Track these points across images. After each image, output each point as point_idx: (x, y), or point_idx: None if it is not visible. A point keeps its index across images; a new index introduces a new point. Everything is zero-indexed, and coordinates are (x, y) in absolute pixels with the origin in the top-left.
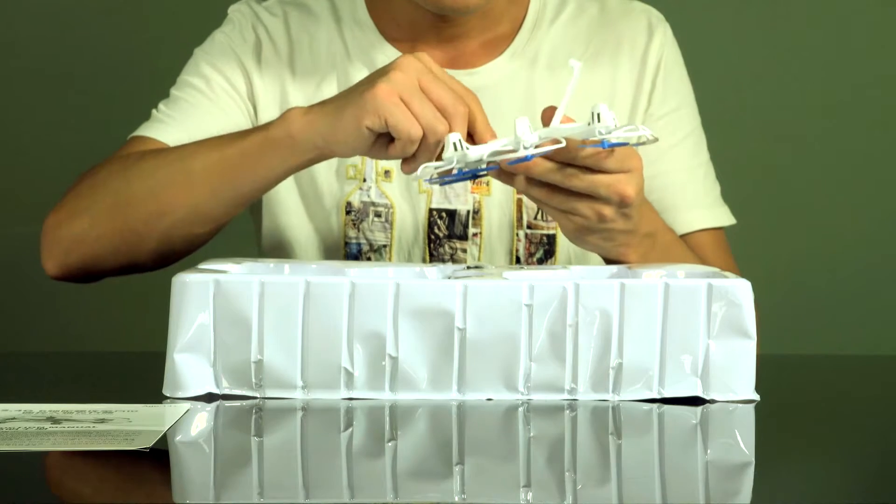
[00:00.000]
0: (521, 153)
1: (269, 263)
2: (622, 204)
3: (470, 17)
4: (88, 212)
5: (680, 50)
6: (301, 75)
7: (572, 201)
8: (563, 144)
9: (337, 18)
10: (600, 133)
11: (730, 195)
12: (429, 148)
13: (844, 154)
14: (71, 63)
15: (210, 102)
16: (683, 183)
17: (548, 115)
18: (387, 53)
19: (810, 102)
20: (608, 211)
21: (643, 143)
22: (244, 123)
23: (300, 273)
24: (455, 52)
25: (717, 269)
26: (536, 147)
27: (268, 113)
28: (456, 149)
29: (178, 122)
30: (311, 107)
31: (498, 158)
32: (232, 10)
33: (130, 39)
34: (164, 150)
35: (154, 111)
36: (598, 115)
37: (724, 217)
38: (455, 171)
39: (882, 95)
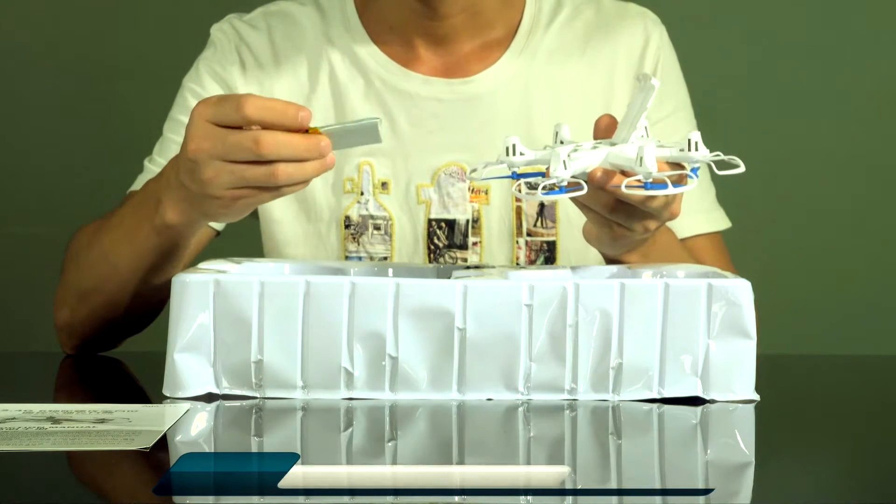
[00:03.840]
0: (656, 189)
1: (269, 263)
2: (669, 219)
3: (458, 12)
4: (66, 303)
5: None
6: (289, 91)
7: (634, 218)
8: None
9: (325, 25)
10: (692, 161)
11: (728, 195)
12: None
13: (843, 155)
14: (71, 63)
15: None
16: None
17: (603, 123)
18: (377, 60)
19: (806, 103)
20: (654, 225)
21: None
22: None
23: (300, 273)
24: (449, 58)
25: (716, 269)
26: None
27: None
28: (566, 167)
29: None
30: (178, 196)
31: (631, 193)
32: (214, 29)
33: (131, 39)
34: (96, 234)
35: (146, 162)
36: (697, 144)
37: (720, 221)
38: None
39: (880, 96)
